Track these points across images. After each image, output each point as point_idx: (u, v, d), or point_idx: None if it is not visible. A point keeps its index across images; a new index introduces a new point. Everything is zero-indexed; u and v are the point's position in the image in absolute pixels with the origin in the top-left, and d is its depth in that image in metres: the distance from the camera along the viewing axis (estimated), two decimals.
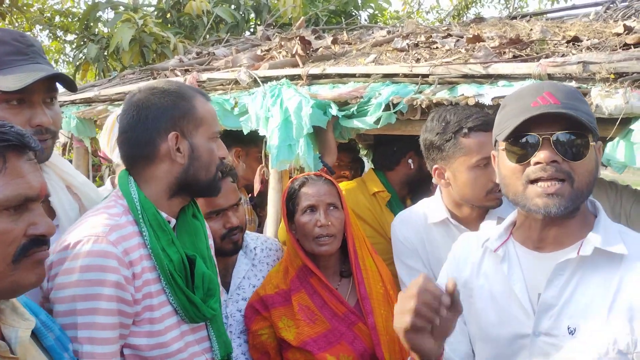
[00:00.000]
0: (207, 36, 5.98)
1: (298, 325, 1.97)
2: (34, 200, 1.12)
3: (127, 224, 1.51)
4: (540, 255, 1.39)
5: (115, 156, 2.14)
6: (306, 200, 2.03)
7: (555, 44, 2.34)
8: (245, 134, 2.57)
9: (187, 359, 1.56)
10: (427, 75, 2.22)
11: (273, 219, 2.54)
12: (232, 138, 2.81)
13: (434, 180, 2.10)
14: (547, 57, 2.11)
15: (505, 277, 1.42)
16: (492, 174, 1.71)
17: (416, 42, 2.73)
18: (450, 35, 2.79)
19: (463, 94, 2.06)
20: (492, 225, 1.57)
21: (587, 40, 2.29)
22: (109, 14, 6.72)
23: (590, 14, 3.18)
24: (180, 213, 1.64)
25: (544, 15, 3.56)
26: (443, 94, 2.11)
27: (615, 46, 2.14)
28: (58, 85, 1.66)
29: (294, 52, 2.86)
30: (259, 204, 3.18)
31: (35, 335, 1.21)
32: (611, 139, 1.84)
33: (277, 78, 2.59)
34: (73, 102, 3.49)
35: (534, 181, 1.30)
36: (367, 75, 2.40)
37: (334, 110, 2.30)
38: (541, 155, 1.28)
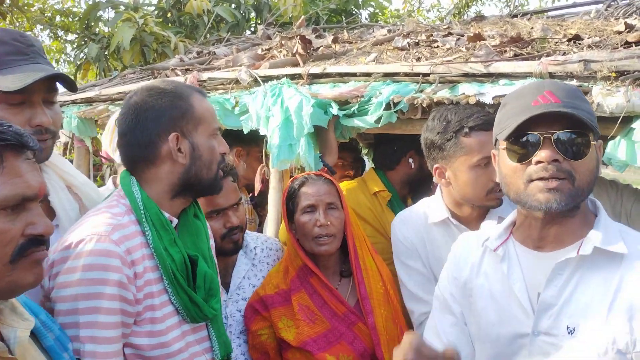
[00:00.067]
0: (208, 35, 5.98)
1: (298, 325, 1.96)
2: (32, 200, 1.11)
3: (130, 224, 1.51)
4: (540, 255, 1.38)
5: (117, 156, 2.14)
6: (306, 200, 2.03)
7: (556, 42, 2.34)
8: (245, 133, 2.57)
9: (187, 358, 1.56)
10: (427, 74, 2.22)
11: (273, 219, 2.54)
12: (233, 137, 2.81)
13: (434, 180, 2.09)
14: (548, 55, 2.10)
15: (505, 276, 1.42)
16: (492, 174, 1.70)
17: (417, 40, 2.73)
18: (451, 33, 2.79)
19: (464, 93, 2.06)
20: (493, 225, 1.57)
21: (588, 38, 2.29)
22: (109, 14, 6.73)
23: (592, 12, 3.18)
24: (181, 213, 1.64)
25: (545, 14, 3.55)
26: (444, 93, 2.11)
27: (617, 44, 2.14)
28: (59, 85, 1.66)
29: (294, 51, 2.85)
30: (259, 203, 3.18)
31: (34, 335, 1.21)
32: (612, 137, 1.84)
33: (278, 77, 2.59)
34: (74, 102, 3.49)
35: (535, 180, 1.30)
36: (368, 74, 2.40)
37: (334, 110, 2.30)
38: (542, 154, 1.28)
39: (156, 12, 6.91)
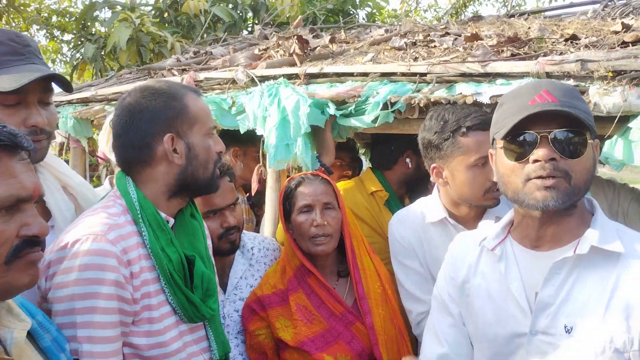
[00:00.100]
0: (205, 35, 5.97)
1: (295, 325, 1.96)
2: (26, 201, 1.11)
3: (126, 224, 1.50)
4: (538, 254, 1.39)
5: (114, 156, 2.13)
6: (302, 200, 2.02)
7: (554, 42, 2.34)
8: (242, 133, 2.56)
9: (185, 358, 1.55)
10: (425, 74, 2.22)
11: (271, 219, 2.54)
12: (230, 137, 2.80)
13: (431, 179, 2.09)
14: (545, 55, 2.11)
15: (503, 276, 1.42)
16: (490, 173, 1.70)
17: (414, 40, 2.73)
18: (448, 33, 2.79)
19: (461, 93, 2.06)
20: (490, 225, 1.57)
21: (585, 38, 2.29)
22: (106, 14, 6.70)
23: (588, 12, 3.18)
24: (178, 213, 1.63)
25: (542, 14, 3.56)
26: (441, 93, 2.11)
27: (614, 44, 2.14)
28: (54, 85, 1.65)
29: (291, 51, 2.85)
30: (256, 203, 3.17)
31: (31, 336, 1.21)
32: (609, 137, 1.84)
33: (275, 77, 2.58)
34: (70, 102, 3.47)
35: (532, 179, 1.30)
36: (365, 74, 2.40)
37: (331, 110, 2.30)
38: (539, 153, 1.28)
39: (153, 12, 6.89)
